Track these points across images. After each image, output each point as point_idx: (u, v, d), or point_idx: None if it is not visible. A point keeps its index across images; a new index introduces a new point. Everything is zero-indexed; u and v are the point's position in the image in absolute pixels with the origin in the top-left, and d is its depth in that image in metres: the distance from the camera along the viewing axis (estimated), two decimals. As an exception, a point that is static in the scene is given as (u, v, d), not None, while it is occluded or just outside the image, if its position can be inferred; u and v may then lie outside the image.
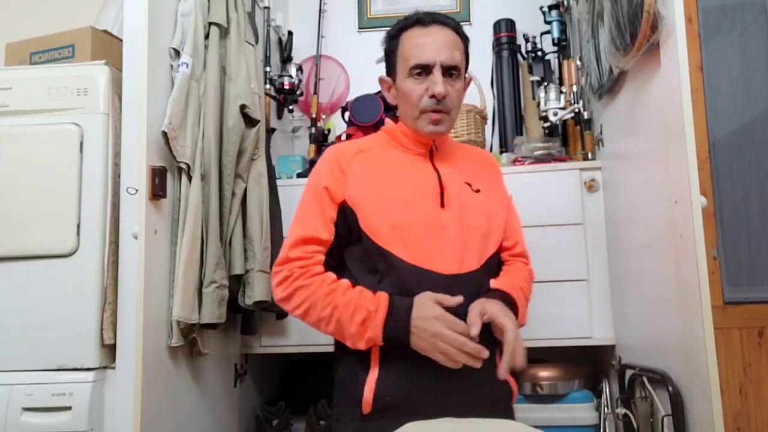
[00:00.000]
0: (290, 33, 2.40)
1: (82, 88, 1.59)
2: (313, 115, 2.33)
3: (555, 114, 2.06)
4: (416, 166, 1.32)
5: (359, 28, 2.54)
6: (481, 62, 2.36)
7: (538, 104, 2.13)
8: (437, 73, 1.26)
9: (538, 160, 1.96)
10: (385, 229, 1.23)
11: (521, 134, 2.24)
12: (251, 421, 2.05)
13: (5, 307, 1.53)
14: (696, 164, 1.18)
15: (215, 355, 1.74)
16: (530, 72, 2.26)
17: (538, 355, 1.93)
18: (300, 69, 2.33)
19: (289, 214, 1.93)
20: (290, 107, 2.32)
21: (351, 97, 2.37)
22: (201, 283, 1.55)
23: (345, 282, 1.23)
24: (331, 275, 1.24)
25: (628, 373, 1.57)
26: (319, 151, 2.26)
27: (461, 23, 2.37)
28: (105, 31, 1.80)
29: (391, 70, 1.35)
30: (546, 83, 2.15)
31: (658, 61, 1.33)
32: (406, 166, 1.32)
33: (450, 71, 1.28)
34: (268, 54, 2.22)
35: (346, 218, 1.26)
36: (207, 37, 1.67)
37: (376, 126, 1.94)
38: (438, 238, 1.25)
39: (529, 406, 1.81)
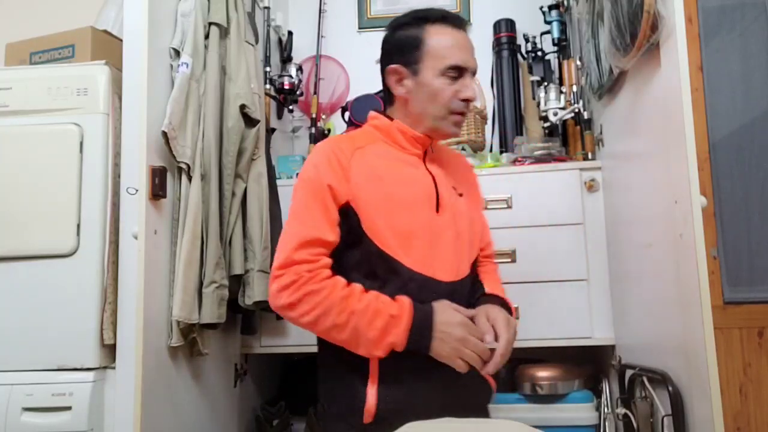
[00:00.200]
0: (290, 33, 2.41)
1: (82, 88, 1.59)
2: (313, 115, 2.34)
3: (555, 114, 2.06)
4: (413, 168, 1.29)
5: (359, 28, 2.54)
6: (481, 62, 2.32)
7: (538, 104, 2.13)
8: (469, 78, 1.30)
9: (538, 160, 1.96)
10: (389, 234, 1.20)
11: (521, 134, 2.24)
12: (251, 421, 2.05)
13: (5, 307, 1.53)
14: (696, 164, 1.18)
15: (215, 355, 1.74)
16: (530, 72, 2.26)
17: (538, 355, 1.93)
18: (300, 69, 2.33)
19: (289, 214, 1.94)
20: (290, 107, 2.32)
21: (351, 97, 2.37)
22: (201, 283, 1.55)
23: (358, 286, 1.17)
24: (342, 279, 1.18)
25: (628, 373, 1.57)
26: (319, 151, 2.26)
27: (461, 23, 2.32)
28: (105, 31, 1.80)
29: (409, 62, 1.28)
30: (546, 83, 2.15)
31: (658, 61, 1.33)
32: (404, 167, 1.28)
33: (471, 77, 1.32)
34: (268, 54, 2.22)
35: (346, 220, 1.20)
36: (207, 37, 1.67)
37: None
38: (437, 245, 1.25)
39: (529, 406, 1.82)
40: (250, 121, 1.72)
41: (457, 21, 1.32)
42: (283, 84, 2.24)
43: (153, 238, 1.43)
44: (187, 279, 1.49)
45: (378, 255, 1.20)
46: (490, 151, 2.27)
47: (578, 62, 2.04)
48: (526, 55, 2.28)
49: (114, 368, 1.50)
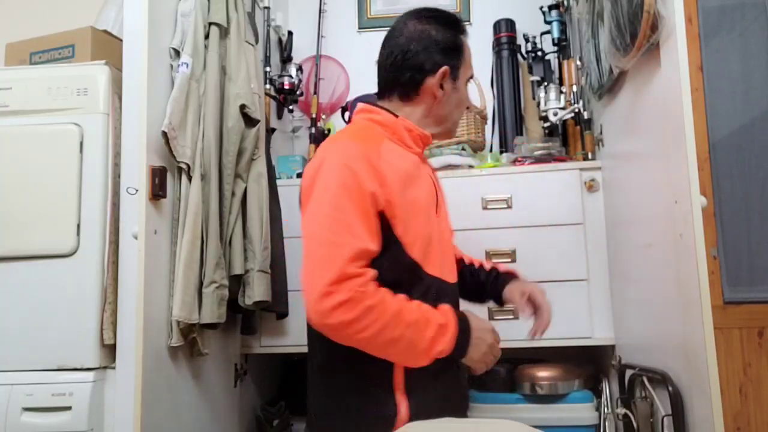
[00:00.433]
0: (290, 33, 2.41)
1: (82, 88, 1.59)
2: (313, 115, 2.34)
3: (555, 114, 2.06)
4: (419, 168, 1.26)
5: (359, 28, 2.54)
6: (481, 62, 2.35)
7: (538, 104, 2.13)
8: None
9: (538, 160, 1.96)
10: (414, 239, 1.18)
11: (521, 134, 2.24)
12: (251, 421, 2.05)
13: (5, 307, 1.53)
14: (696, 164, 1.18)
15: (215, 355, 1.74)
16: (530, 72, 2.26)
17: (538, 355, 1.93)
18: (300, 69, 2.33)
19: (289, 214, 1.94)
20: (290, 107, 2.32)
21: (351, 97, 2.37)
22: (201, 283, 1.55)
23: (404, 297, 1.12)
24: (389, 291, 1.11)
25: (628, 373, 1.57)
26: (319, 151, 2.26)
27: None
28: (105, 31, 1.80)
29: (453, 66, 1.27)
30: (546, 83, 2.15)
31: (658, 61, 1.32)
32: (414, 169, 1.24)
33: None
34: (268, 54, 2.22)
35: (380, 226, 1.15)
36: (207, 37, 1.67)
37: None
38: (443, 247, 1.26)
39: (528, 406, 1.81)
40: (250, 121, 1.72)
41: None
42: (283, 84, 2.24)
43: (153, 238, 1.43)
44: (187, 279, 1.49)
45: (405, 262, 1.17)
46: (490, 151, 2.27)
47: (578, 62, 2.03)
48: (526, 55, 2.28)
49: (114, 368, 1.50)
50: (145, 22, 1.45)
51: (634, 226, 1.60)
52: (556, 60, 2.25)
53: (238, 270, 1.66)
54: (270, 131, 2.06)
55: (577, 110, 2.04)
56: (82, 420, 1.46)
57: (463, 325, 1.15)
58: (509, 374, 1.87)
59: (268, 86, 2.17)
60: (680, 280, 1.25)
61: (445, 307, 1.16)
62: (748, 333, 1.57)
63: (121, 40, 1.59)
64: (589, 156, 1.99)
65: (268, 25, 2.25)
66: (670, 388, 1.29)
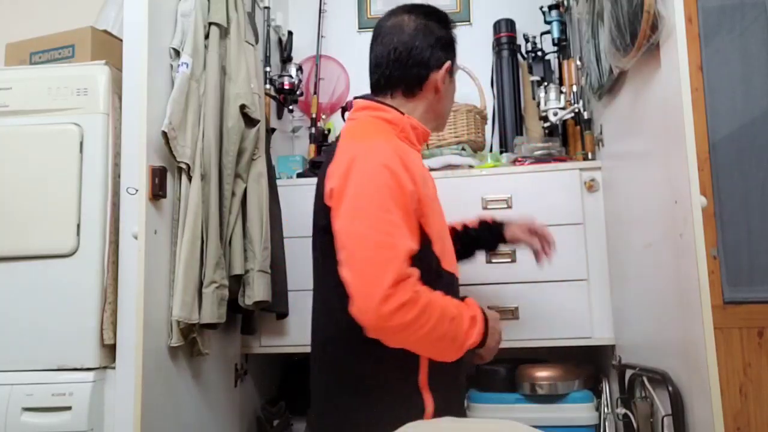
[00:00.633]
0: (290, 33, 2.40)
1: (82, 88, 1.59)
2: (313, 115, 2.34)
3: (555, 114, 2.06)
4: (424, 165, 1.30)
5: (359, 28, 2.54)
6: (481, 62, 2.36)
7: (538, 104, 2.13)
8: None
9: (538, 160, 1.96)
10: (436, 236, 1.21)
11: (521, 134, 2.24)
12: (252, 421, 2.05)
13: (5, 307, 1.53)
14: (696, 164, 1.18)
15: (215, 355, 1.74)
16: (530, 72, 2.26)
17: (538, 355, 1.93)
18: (300, 69, 2.33)
19: (289, 214, 1.94)
20: (290, 107, 2.32)
21: (351, 97, 2.37)
22: (201, 283, 1.55)
23: (440, 293, 1.15)
24: (429, 288, 1.13)
25: (628, 373, 1.57)
26: (319, 151, 2.27)
27: (461, 23, 2.37)
28: (105, 31, 1.80)
29: (453, 61, 1.32)
30: (546, 83, 2.15)
31: (658, 61, 1.32)
32: (423, 165, 1.28)
33: None
34: (268, 54, 2.22)
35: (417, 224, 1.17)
36: (207, 37, 1.67)
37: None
38: (449, 241, 1.29)
39: (528, 406, 1.81)
40: (250, 121, 1.72)
41: None
42: (283, 84, 2.24)
43: (153, 238, 1.43)
44: (187, 279, 1.49)
45: (431, 258, 1.19)
46: (490, 151, 2.27)
47: (578, 62, 2.03)
48: (526, 55, 2.28)
49: (114, 368, 1.50)
50: (145, 22, 1.45)
51: (634, 226, 1.60)
52: (556, 60, 2.25)
53: (238, 270, 1.66)
54: (270, 131, 2.06)
55: (577, 110, 2.04)
56: (82, 420, 1.46)
57: (484, 317, 1.20)
58: (509, 374, 1.87)
59: (268, 86, 2.17)
60: (680, 280, 1.25)
61: (470, 300, 1.22)
62: (748, 333, 1.57)
63: (121, 40, 1.59)
64: (589, 156, 1.99)
65: (268, 25, 2.25)
66: (670, 388, 1.29)
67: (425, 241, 1.17)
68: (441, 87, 1.30)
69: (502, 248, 1.85)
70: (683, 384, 1.27)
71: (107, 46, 1.74)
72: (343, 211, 1.13)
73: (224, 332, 1.80)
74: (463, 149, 2.03)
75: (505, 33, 2.31)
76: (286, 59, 2.36)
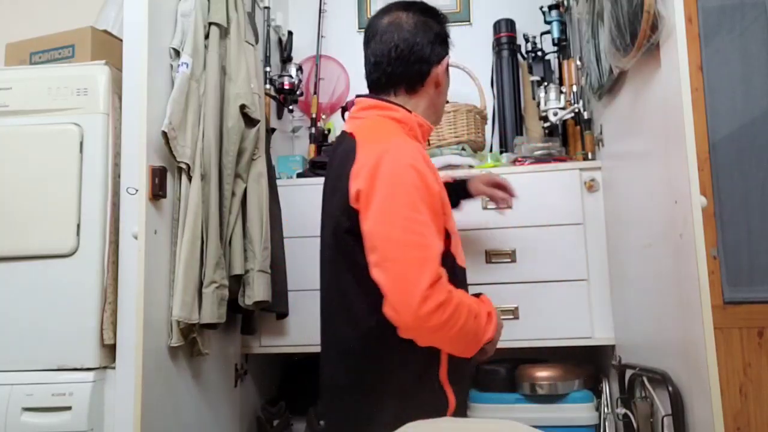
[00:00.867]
0: (290, 33, 2.41)
1: (82, 88, 1.59)
2: (313, 115, 2.34)
3: (555, 114, 2.06)
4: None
5: (359, 28, 2.54)
6: (481, 62, 2.36)
7: (538, 104, 2.13)
8: None
9: (538, 160, 1.96)
10: (453, 234, 1.25)
11: (521, 134, 2.24)
12: (252, 421, 2.05)
13: (5, 307, 1.53)
14: (696, 164, 1.18)
15: (215, 355, 1.74)
16: (530, 72, 2.26)
17: (538, 355, 1.93)
18: (300, 69, 2.33)
19: (289, 214, 1.94)
20: (290, 107, 2.32)
21: (351, 97, 2.37)
22: (201, 283, 1.55)
23: (462, 291, 1.17)
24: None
25: (628, 373, 1.57)
26: (319, 151, 2.27)
27: (461, 23, 2.37)
28: (105, 31, 1.80)
29: (443, 57, 1.33)
30: (546, 83, 2.15)
31: (658, 61, 1.32)
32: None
33: None
34: (268, 54, 2.22)
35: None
36: (207, 37, 1.67)
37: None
38: (458, 236, 1.30)
39: (528, 406, 1.81)
40: (250, 121, 1.72)
41: None
42: (283, 84, 2.24)
43: (153, 238, 1.43)
44: (187, 279, 1.49)
45: (450, 256, 1.21)
46: (490, 151, 2.27)
47: (578, 62, 2.03)
48: (526, 55, 2.28)
49: (114, 368, 1.50)
50: (145, 22, 1.45)
51: (634, 226, 1.60)
52: (556, 60, 2.25)
53: (238, 270, 1.66)
54: (270, 131, 2.06)
55: (577, 110, 2.04)
56: (82, 420, 1.46)
57: (496, 312, 1.25)
58: (509, 374, 1.87)
59: (268, 86, 2.17)
60: (680, 280, 1.25)
61: (485, 297, 1.24)
62: (748, 333, 1.57)
63: (121, 40, 1.59)
64: (589, 156, 1.99)
65: (268, 25, 2.25)
66: (670, 388, 1.29)
67: (447, 239, 1.20)
68: (442, 81, 1.33)
69: (503, 248, 1.86)
70: (683, 384, 1.27)
71: (107, 46, 1.74)
72: (372, 213, 1.13)
73: (224, 332, 1.80)
74: (463, 149, 2.04)
75: (505, 33, 2.31)
76: (286, 59, 2.36)
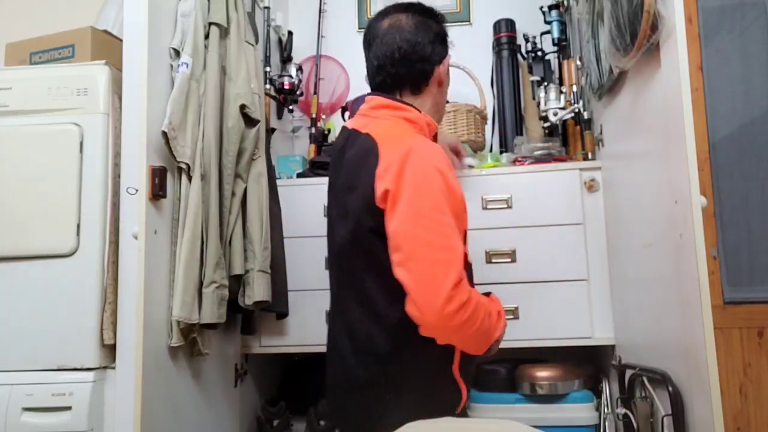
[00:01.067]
0: (290, 33, 2.41)
1: (82, 88, 1.59)
2: (313, 115, 2.34)
3: (555, 114, 2.06)
4: None
5: (359, 28, 2.54)
6: (481, 62, 2.36)
7: (538, 104, 2.13)
8: None
9: (538, 160, 1.96)
10: (465, 232, 1.28)
11: (521, 134, 2.24)
12: (252, 421, 2.05)
13: (5, 307, 1.53)
14: (696, 164, 1.18)
15: (215, 355, 1.74)
16: (530, 72, 2.26)
17: (538, 355, 1.93)
18: (300, 69, 2.33)
19: (289, 214, 1.94)
20: (290, 107, 2.32)
21: (351, 97, 2.37)
22: (201, 283, 1.55)
23: (476, 290, 1.21)
24: None
25: (628, 373, 1.57)
26: (319, 151, 2.27)
27: (461, 23, 2.37)
28: (105, 31, 1.80)
29: (444, 56, 1.36)
30: (546, 83, 2.15)
31: (658, 61, 1.32)
32: None
33: None
34: (268, 54, 2.22)
35: None
36: (207, 37, 1.67)
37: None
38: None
39: (528, 406, 1.81)
40: (250, 121, 1.72)
41: None
42: (283, 84, 2.24)
43: (153, 238, 1.43)
44: (187, 279, 1.49)
45: (464, 254, 1.22)
46: (490, 151, 2.27)
47: (578, 62, 2.03)
48: (526, 55, 2.28)
49: (114, 368, 1.50)
50: (145, 22, 1.45)
51: (634, 226, 1.60)
52: (556, 60, 2.25)
53: (238, 270, 1.66)
54: (270, 131, 2.06)
55: (577, 110, 2.04)
56: (82, 420, 1.46)
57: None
58: (509, 374, 1.87)
59: (268, 86, 2.17)
60: (680, 280, 1.25)
61: (494, 296, 1.28)
62: (748, 333, 1.57)
63: (121, 40, 1.59)
64: (589, 156, 1.99)
65: (268, 25, 2.25)
66: (670, 388, 1.29)
67: (464, 239, 1.24)
68: (444, 79, 1.36)
69: (503, 248, 1.86)
70: (683, 384, 1.27)
71: (107, 46, 1.74)
72: (398, 213, 1.15)
73: (224, 332, 1.80)
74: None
75: (505, 33, 2.31)
76: (286, 59, 2.36)
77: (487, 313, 1.17)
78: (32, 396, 1.47)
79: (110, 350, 1.51)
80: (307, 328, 1.93)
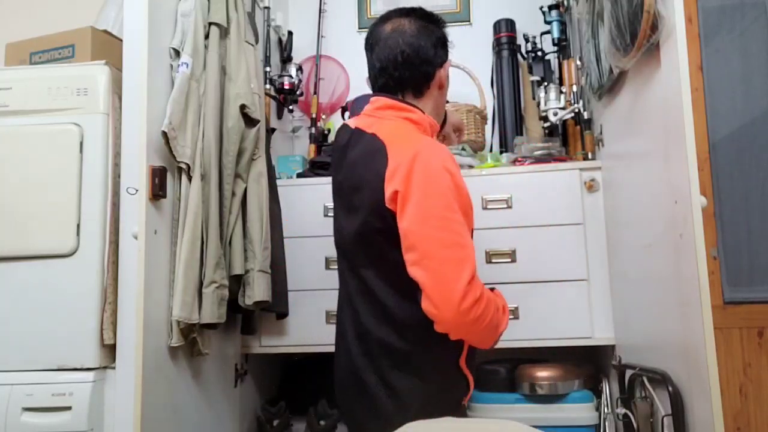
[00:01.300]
0: (290, 33, 2.41)
1: (82, 88, 1.59)
2: (313, 115, 2.34)
3: (555, 114, 2.06)
4: None
5: (359, 28, 2.54)
6: (481, 62, 2.36)
7: (538, 104, 2.13)
8: None
9: (538, 160, 1.96)
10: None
11: (521, 134, 2.24)
12: (252, 421, 2.05)
13: (5, 307, 1.53)
14: (696, 164, 1.18)
15: (215, 355, 1.74)
16: (530, 72, 2.26)
17: (538, 355, 1.93)
18: (300, 69, 2.33)
19: (289, 214, 1.94)
20: (290, 107, 2.32)
21: (351, 97, 2.37)
22: (201, 283, 1.55)
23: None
24: None
25: (628, 373, 1.57)
26: (319, 151, 2.27)
27: (461, 23, 2.37)
28: (105, 31, 1.80)
29: (445, 60, 1.38)
30: (546, 83, 2.15)
31: (658, 61, 1.32)
32: None
33: None
34: (268, 54, 2.22)
35: None
36: (207, 37, 1.67)
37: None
38: None
39: (528, 406, 1.81)
40: (250, 121, 1.72)
41: None
42: (283, 84, 2.24)
43: (153, 238, 1.43)
44: (187, 279, 1.49)
45: None
46: (490, 151, 2.27)
47: (578, 62, 2.03)
48: (526, 55, 2.28)
49: (114, 368, 1.50)
50: (145, 22, 1.45)
51: (634, 226, 1.60)
52: (556, 60, 2.25)
53: (238, 270, 1.66)
54: (270, 131, 2.06)
55: (577, 110, 2.04)
56: (82, 420, 1.46)
57: None
58: (509, 374, 1.87)
59: (268, 86, 2.17)
60: (680, 280, 1.25)
61: (498, 290, 1.30)
62: (748, 333, 1.57)
63: (121, 40, 1.59)
64: (589, 156, 1.99)
65: (268, 25, 2.25)
66: (670, 388, 1.29)
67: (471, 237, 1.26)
68: (444, 82, 1.38)
69: (503, 248, 1.86)
70: (683, 384, 1.27)
71: (107, 46, 1.74)
72: (409, 213, 1.17)
73: (224, 332, 1.80)
74: (463, 149, 2.04)
75: (505, 33, 2.31)
76: (286, 59, 2.36)
77: (495, 308, 1.20)
78: (32, 396, 1.47)
79: (110, 350, 1.51)
80: (307, 328, 1.93)
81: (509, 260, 1.86)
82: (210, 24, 1.68)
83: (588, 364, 1.95)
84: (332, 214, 1.43)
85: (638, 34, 1.34)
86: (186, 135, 1.54)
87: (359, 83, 2.39)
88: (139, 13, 1.47)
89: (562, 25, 2.20)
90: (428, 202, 1.17)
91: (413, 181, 1.18)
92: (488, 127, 2.27)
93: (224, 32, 1.72)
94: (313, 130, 2.32)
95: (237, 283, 1.69)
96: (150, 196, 1.42)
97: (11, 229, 1.55)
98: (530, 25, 2.29)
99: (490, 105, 2.29)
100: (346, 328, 1.34)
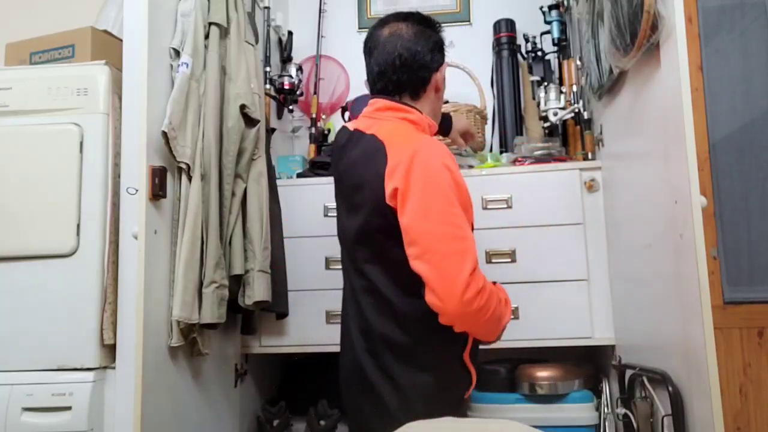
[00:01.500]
0: (290, 33, 2.40)
1: (82, 88, 1.59)
2: (313, 115, 2.34)
3: (555, 114, 2.06)
4: None
5: (359, 28, 2.54)
6: (481, 62, 2.36)
7: (538, 104, 2.13)
8: None
9: (538, 160, 1.96)
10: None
11: (521, 134, 2.24)
12: (252, 421, 2.05)
13: (5, 308, 1.53)
14: (696, 164, 1.18)
15: (215, 355, 1.74)
16: (530, 72, 2.26)
17: (538, 355, 1.93)
18: (300, 69, 2.33)
19: (289, 214, 1.94)
20: (290, 107, 2.32)
21: (351, 97, 2.37)
22: (201, 283, 1.55)
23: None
24: None
25: (628, 373, 1.57)
26: (319, 151, 2.27)
27: (461, 23, 2.37)
28: (105, 31, 1.80)
29: (441, 64, 1.40)
30: (546, 83, 2.15)
31: (658, 61, 1.33)
32: None
33: None
34: (268, 54, 2.22)
35: None
36: (207, 37, 1.67)
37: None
38: None
39: (528, 406, 1.81)
40: (250, 121, 1.72)
41: None
42: (283, 84, 2.24)
43: (153, 238, 1.43)
44: (187, 279, 1.49)
45: None
46: (490, 151, 2.27)
47: (578, 62, 2.03)
48: (526, 55, 2.28)
49: (114, 368, 1.50)
50: (145, 22, 1.45)
51: (634, 226, 1.60)
52: (556, 60, 2.25)
53: (238, 270, 1.66)
54: (270, 131, 2.06)
55: (577, 110, 2.04)
56: (82, 420, 1.46)
57: None
58: (509, 374, 1.87)
59: (268, 86, 2.17)
60: (680, 280, 1.25)
61: (499, 285, 1.31)
62: (748, 333, 1.57)
63: (121, 40, 1.59)
64: (589, 156, 1.99)
65: (268, 25, 2.25)
66: (670, 388, 1.29)
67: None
68: (441, 86, 1.40)
69: (503, 248, 1.86)
70: (683, 384, 1.27)
71: (107, 46, 1.74)
72: (410, 208, 1.20)
73: (224, 332, 1.80)
74: (463, 149, 2.03)
75: (505, 33, 2.31)
76: (286, 59, 2.36)
77: (498, 300, 1.22)
78: (32, 396, 1.47)
79: (110, 350, 1.51)
80: (307, 328, 1.93)
81: (509, 260, 1.86)
82: (210, 24, 1.68)
83: (588, 364, 1.95)
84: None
85: (638, 34, 1.34)
86: (186, 135, 1.54)
87: (359, 83, 2.39)
88: (139, 13, 1.47)
89: (562, 25, 2.20)
90: (428, 197, 1.20)
91: (413, 177, 1.20)
92: (488, 127, 2.26)
93: (224, 32, 1.72)
94: (313, 130, 2.32)
95: (237, 283, 1.69)
96: (150, 196, 1.42)
97: (11, 229, 1.55)
98: (530, 25, 2.29)
99: (490, 105, 2.29)
100: (350, 324, 1.36)
